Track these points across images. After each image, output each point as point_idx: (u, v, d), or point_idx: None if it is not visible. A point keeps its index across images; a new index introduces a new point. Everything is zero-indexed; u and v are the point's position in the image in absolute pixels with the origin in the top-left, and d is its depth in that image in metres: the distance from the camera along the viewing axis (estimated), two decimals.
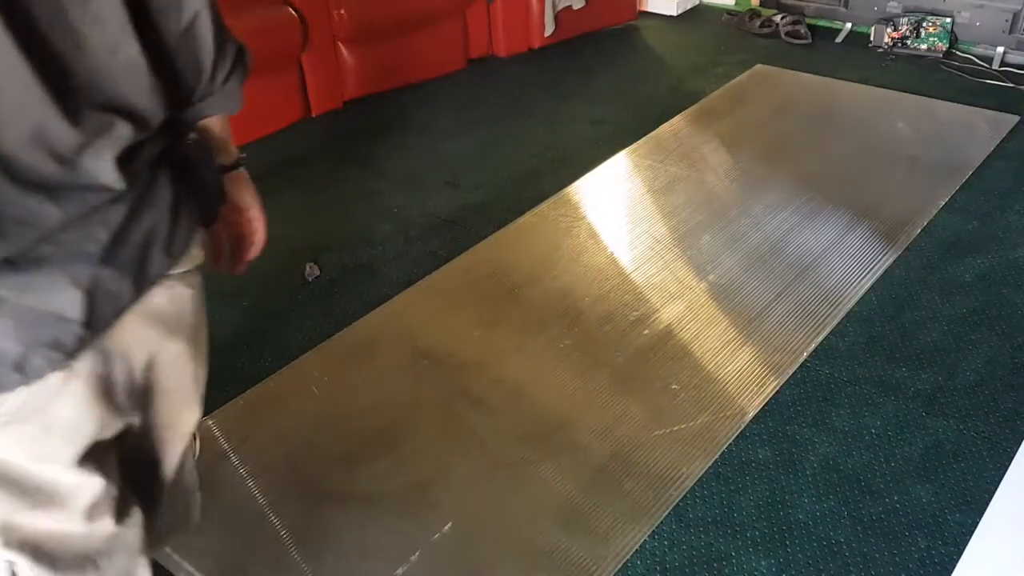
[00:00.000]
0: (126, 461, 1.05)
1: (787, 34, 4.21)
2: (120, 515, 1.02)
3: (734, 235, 2.69)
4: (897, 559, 1.69)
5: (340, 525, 1.81)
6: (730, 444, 1.96)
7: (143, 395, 1.02)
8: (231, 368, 2.30)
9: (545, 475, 1.90)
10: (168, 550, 1.50)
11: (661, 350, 2.23)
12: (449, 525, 1.79)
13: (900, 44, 3.92)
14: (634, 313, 2.35)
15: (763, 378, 2.12)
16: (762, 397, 2.07)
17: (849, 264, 2.51)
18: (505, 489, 1.88)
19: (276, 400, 2.16)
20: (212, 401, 2.18)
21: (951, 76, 3.70)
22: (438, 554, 1.74)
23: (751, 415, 2.02)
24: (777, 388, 2.09)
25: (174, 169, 0.98)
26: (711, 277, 2.50)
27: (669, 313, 2.36)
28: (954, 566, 1.67)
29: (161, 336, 1.01)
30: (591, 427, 2.01)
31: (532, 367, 2.20)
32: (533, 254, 2.67)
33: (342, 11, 3.55)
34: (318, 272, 2.66)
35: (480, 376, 2.18)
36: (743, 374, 2.13)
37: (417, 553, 1.74)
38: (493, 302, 2.45)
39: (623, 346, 2.25)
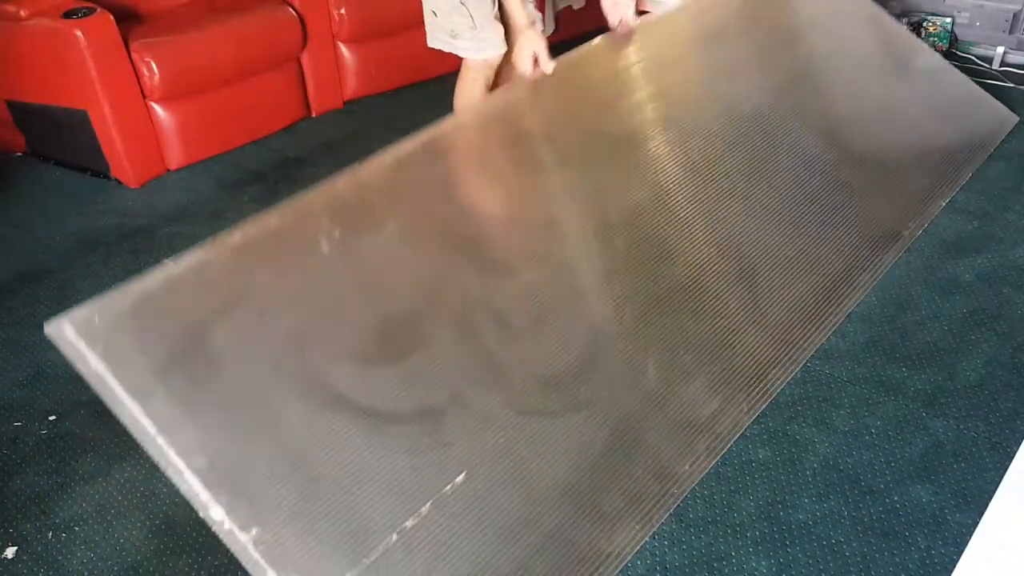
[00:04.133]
0: None
1: None
2: None
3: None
4: (897, 559, 1.69)
5: (346, 445, 1.58)
6: (730, 444, 1.96)
7: None
8: None
9: (562, 436, 1.77)
10: (161, 440, 1.35)
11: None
12: (463, 475, 1.64)
13: None
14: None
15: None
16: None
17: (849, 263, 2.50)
18: (524, 441, 1.74)
19: (280, 246, 1.67)
20: None
21: None
22: (449, 508, 1.60)
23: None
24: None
25: None
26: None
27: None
28: (954, 566, 1.67)
29: None
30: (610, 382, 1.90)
31: (563, 288, 1.99)
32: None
33: (342, 11, 3.55)
34: None
35: (508, 287, 1.92)
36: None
37: (428, 504, 1.59)
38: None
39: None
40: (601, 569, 1.68)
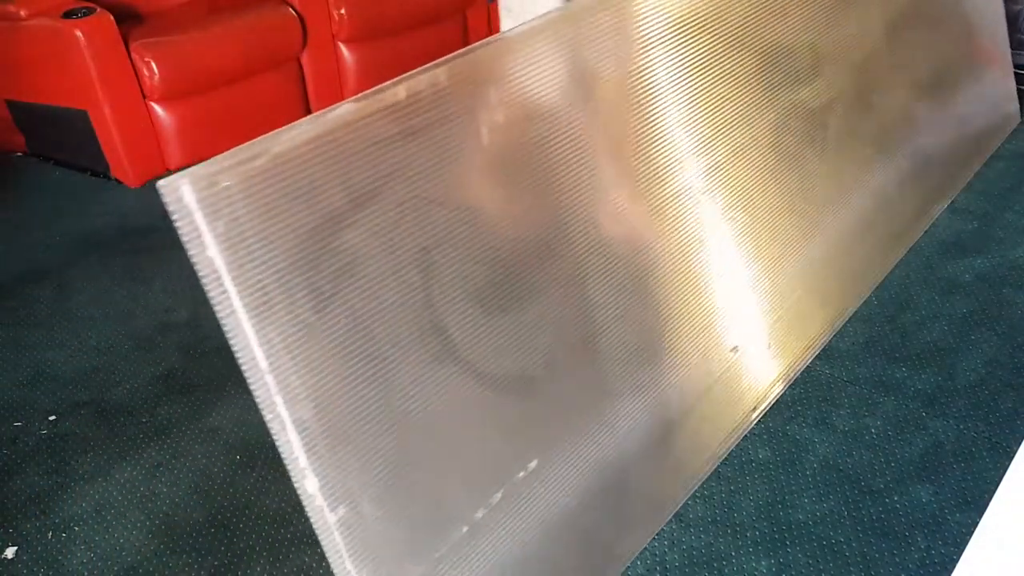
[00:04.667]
0: None
1: None
2: None
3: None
4: (897, 559, 1.69)
5: (444, 412, 1.39)
6: (730, 444, 1.96)
7: None
8: (232, 368, 2.30)
9: (625, 423, 1.66)
10: (270, 380, 1.15)
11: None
12: (535, 462, 1.50)
13: None
14: None
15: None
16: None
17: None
18: (594, 425, 1.62)
19: (446, 114, 1.33)
20: (212, 401, 2.19)
21: None
22: (516, 499, 1.47)
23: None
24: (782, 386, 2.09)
25: None
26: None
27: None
28: (954, 566, 1.67)
29: None
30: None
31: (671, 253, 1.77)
32: None
33: (342, 11, 3.55)
34: None
35: (620, 248, 1.68)
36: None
37: (500, 492, 1.45)
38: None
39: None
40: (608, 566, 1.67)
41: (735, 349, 1.98)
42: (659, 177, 1.75)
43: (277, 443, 1.18)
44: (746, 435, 1.98)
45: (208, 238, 1.08)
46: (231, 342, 1.12)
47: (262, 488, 1.94)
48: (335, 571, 1.26)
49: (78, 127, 3.15)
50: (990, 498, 1.80)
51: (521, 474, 1.50)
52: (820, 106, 2.16)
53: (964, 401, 2.04)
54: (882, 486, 1.84)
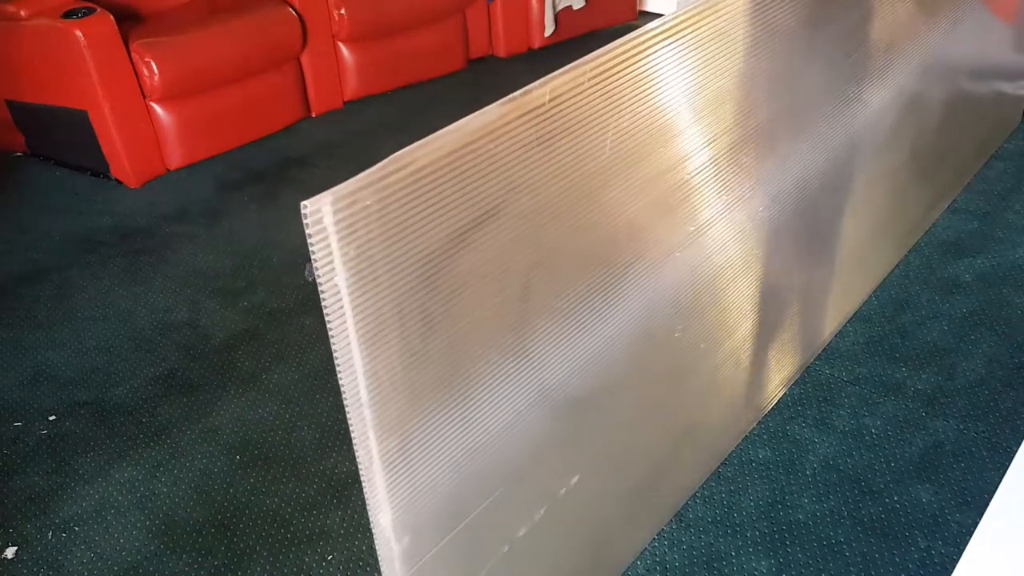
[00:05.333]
0: None
1: None
2: None
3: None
4: (897, 559, 1.69)
5: (518, 432, 1.36)
6: (730, 444, 1.96)
7: None
8: (232, 368, 2.30)
9: (656, 432, 1.69)
10: (368, 413, 1.10)
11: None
12: (576, 478, 1.49)
13: None
14: None
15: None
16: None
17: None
18: (635, 438, 1.63)
19: (570, 130, 1.28)
20: (212, 401, 2.19)
21: None
22: (555, 515, 1.47)
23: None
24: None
25: None
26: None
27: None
28: (954, 566, 1.66)
29: None
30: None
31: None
32: None
33: (342, 11, 3.55)
34: (318, 272, 2.65)
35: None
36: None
37: (543, 509, 1.44)
38: None
39: None
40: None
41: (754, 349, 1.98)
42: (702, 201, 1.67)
43: (361, 473, 1.15)
44: (746, 435, 1.98)
45: (339, 263, 1.03)
46: (338, 368, 1.05)
47: (262, 488, 1.94)
48: None
49: (78, 127, 3.15)
50: (990, 498, 1.79)
51: (563, 490, 1.49)
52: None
53: (964, 401, 2.04)
54: (882, 486, 1.84)
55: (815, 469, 1.89)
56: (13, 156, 3.51)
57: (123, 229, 2.99)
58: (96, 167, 3.27)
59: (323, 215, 0.99)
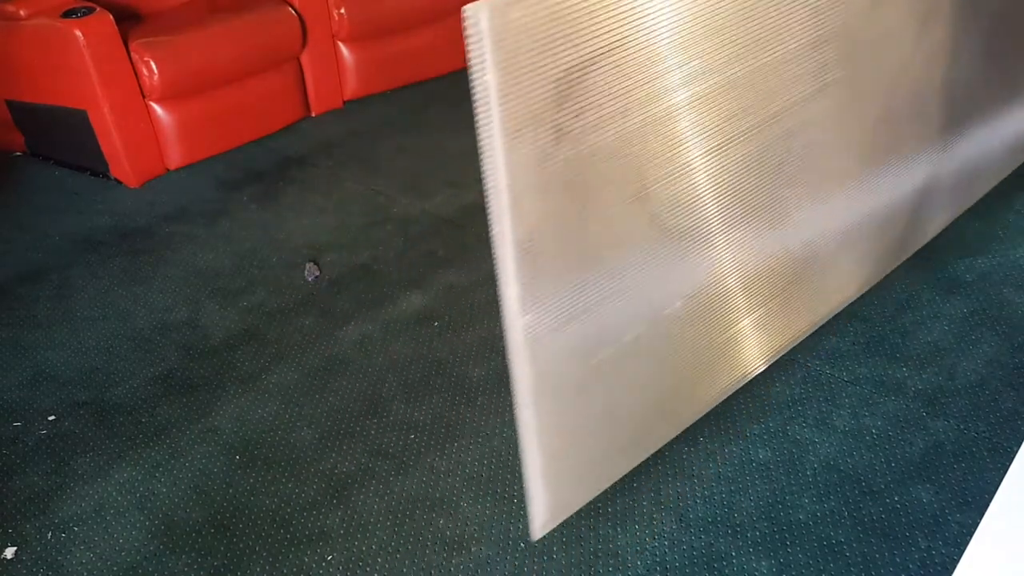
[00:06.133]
0: None
1: None
2: None
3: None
4: (897, 559, 1.69)
5: (615, 242, 1.57)
6: (730, 444, 1.96)
7: None
8: (231, 368, 2.30)
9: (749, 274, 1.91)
10: (506, 198, 1.32)
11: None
12: (680, 303, 1.73)
13: None
14: None
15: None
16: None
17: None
18: (735, 282, 1.87)
19: None
20: (212, 401, 2.19)
21: None
22: (661, 331, 1.72)
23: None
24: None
25: None
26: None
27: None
28: (954, 566, 1.67)
29: None
30: None
31: None
32: None
33: (342, 11, 3.55)
34: (318, 272, 2.66)
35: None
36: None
37: (648, 323, 1.68)
38: None
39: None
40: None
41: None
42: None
43: (495, 253, 1.37)
44: (746, 435, 1.98)
45: (489, 63, 1.24)
46: (483, 157, 1.29)
47: (262, 488, 1.94)
48: (512, 365, 1.48)
49: (78, 127, 3.15)
50: (990, 498, 1.79)
51: (667, 310, 1.72)
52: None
53: (964, 401, 2.04)
54: (882, 486, 1.84)
55: (815, 469, 1.89)
56: (13, 156, 3.51)
57: (123, 229, 2.99)
58: (96, 167, 3.27)
59: (480, 20, 1.21)
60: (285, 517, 1.87)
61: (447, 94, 3.87)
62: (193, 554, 1.80)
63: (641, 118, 1.48)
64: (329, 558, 1.77)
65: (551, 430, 1.59)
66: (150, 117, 3.18)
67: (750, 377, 2.05)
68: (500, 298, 1.40)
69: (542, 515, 1.68)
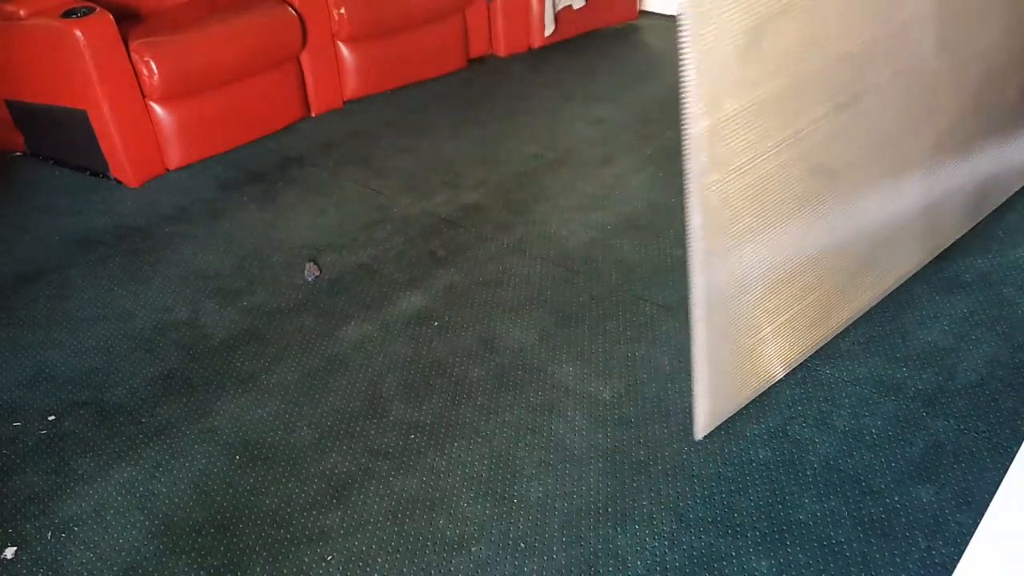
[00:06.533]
0: None
1: None
2: None
3: None
4: (897, 559, 1.69)
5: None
6: (730, 444, 1.96)
7: None
8: (231, 368, 2.30)
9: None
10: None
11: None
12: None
13: None
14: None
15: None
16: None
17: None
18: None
19: None
20: (212, 401, 2.19)
21: None
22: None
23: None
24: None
25: None
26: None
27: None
28: (954, 566, 1.67)
29: None
30: None
31: None
32: None
33: (342, 11, 3.55)
34: (318, 272, 2.66)
35: None
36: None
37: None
38: None
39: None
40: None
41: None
42: None
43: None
44: (746, 435, 1.98)
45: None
46: (687, 107, 1.58)
47: (262, 488, 1.94)
48: (692, 284, 1.77)
49: (78, 127, 3.15)
50: (990, 498, 1.80)
51: (821, 240, 2.04)
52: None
53: (964, 401, 2.04)
54: (882, 486, 1.84)
55: (815, 469, 1.89)
56: (13, 156, 3.51)
57: (122, 229, 2.99)
58: (95, 167, 3.27)
59: None
60: (285, 517, 1.87)
61: (447, 94, 3.88)
62: (193, 554, 1.80)
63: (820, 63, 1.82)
64: (329, 558, 1.77)
65: (716, 342, 1.87)
66: (150, 117, 3.18)
67: (877, 300, 2.32)
68: (688, 227, 1.71)
69: (704, 418, 1.96)
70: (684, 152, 1.63)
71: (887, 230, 2.24)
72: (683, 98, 1.58)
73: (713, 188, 1.69)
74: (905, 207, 2.26)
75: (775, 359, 2.08)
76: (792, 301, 2.04)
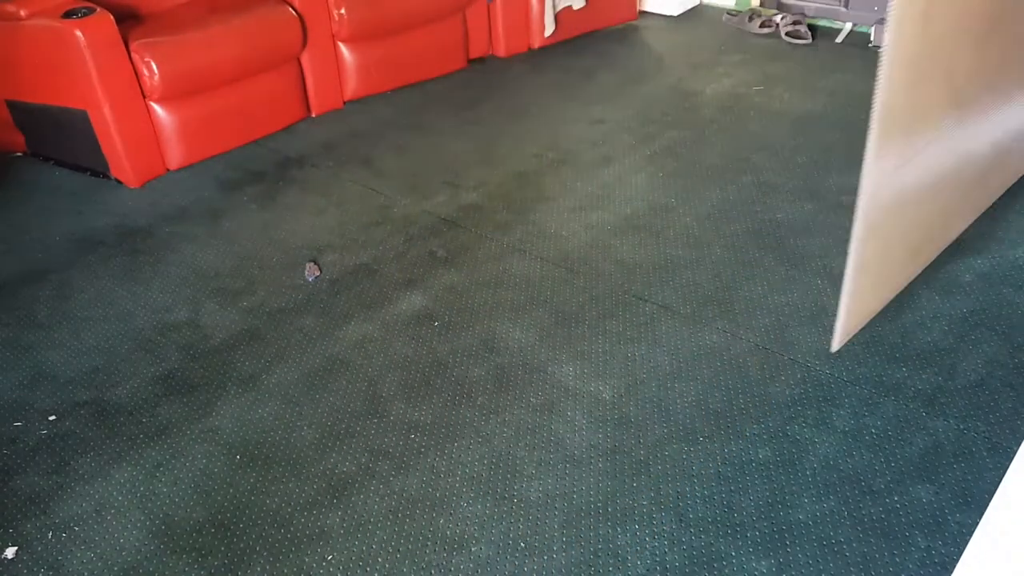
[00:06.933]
0: None
1: (787, 34, 4.21)
2: None
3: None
4: (897, 559, 1.69)
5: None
6: (730, 444, 1.96)
7: None
8: (231, 368, 2.30)
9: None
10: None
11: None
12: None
13: None
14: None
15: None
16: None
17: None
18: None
19: None
20: (212, 401, 2.19)
21: None
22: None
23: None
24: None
25: None
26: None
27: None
28: (954, 566, 1.67)
29: None
30: None
31: None
32: None
33: (342, 11, 3.55)
34: (318, 272, 2.66)
35: None
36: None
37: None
38: None
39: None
40: None
41: None
42: None
43: (874, 115, 1.81)
44: (746, 435, 1.98)
45: None
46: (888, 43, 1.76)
47: (262, 488, 1.94)
48: (860, 199, 1.92)
49: (78, 127, 3.15)
50: (990, 498, 1.80)
51: (965, 166, 2.37)
52: None
53: (964, 401, 2.04)
54: (882, 486, 1.84)
55: (815, 469, 1.89)
56: (13, 156, 3.51)
57: (123, 229, 2.99)
58: (96, 167, 3.27)
59: None
60: (285, 517, 1.87)
61: (447, 94, 3.88)
62: (193, 554, 1.80)
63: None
64: (329, 558, 1.77)
65: (872, 251, 2.07)
66: (150, 117, 3.18)
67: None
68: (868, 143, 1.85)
69: (842, 331, 2.16)
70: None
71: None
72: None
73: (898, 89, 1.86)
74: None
75: (905, 271, 2.34)
76: (934, 214, 2.31)
